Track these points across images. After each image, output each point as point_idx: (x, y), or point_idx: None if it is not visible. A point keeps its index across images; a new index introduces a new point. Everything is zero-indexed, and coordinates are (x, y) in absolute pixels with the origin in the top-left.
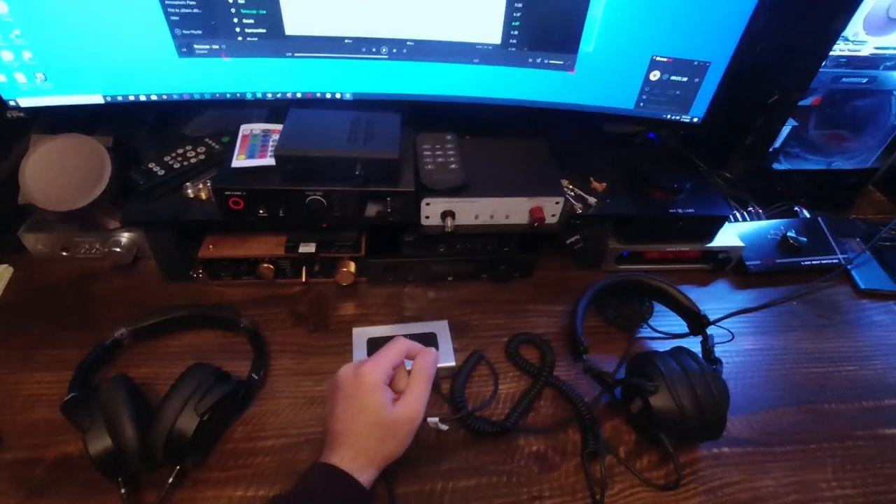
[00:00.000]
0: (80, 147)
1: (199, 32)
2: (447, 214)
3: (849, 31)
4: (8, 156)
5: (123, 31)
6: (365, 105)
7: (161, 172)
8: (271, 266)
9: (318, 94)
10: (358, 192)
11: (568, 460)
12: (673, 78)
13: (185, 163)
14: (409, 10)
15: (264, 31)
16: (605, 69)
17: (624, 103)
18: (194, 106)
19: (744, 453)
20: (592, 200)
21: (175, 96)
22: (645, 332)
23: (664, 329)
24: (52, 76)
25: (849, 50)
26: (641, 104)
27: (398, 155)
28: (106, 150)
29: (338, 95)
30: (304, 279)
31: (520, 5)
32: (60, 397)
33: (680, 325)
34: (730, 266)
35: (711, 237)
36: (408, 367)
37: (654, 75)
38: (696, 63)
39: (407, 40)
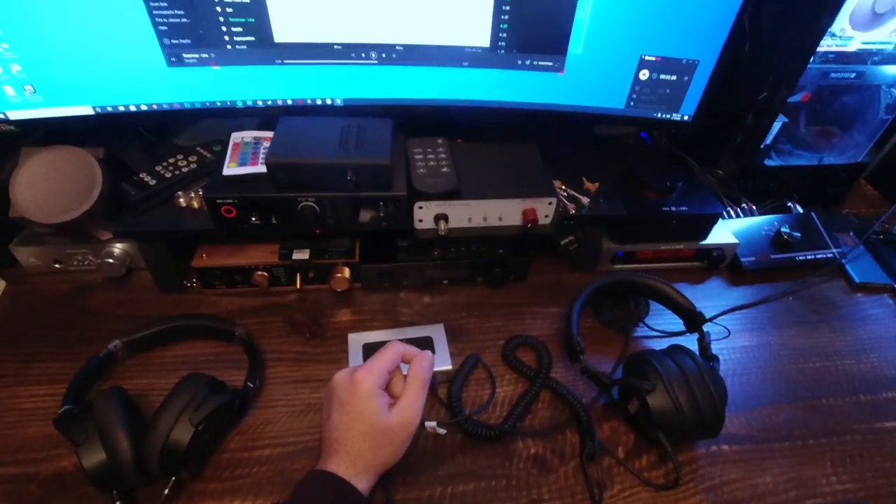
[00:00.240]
0: (70, 159)
1: (188, 42)
2: (440, 218)
3: (835, 27)
4: None
5: (112, 42)
6: (356, 111)
7: (153, 183)
8: (265, 274)
9: (309, 101)
10: (350, 198)
11: (566, 462)
12: (662, 77)
13: (177, 172)
14: (398, 15)
15: (253, 39)
16: (595, 70)
17: (614, 103)
18: (185, 115)
19: (742, 450)
20: (585, 201)
21: (165, 106)
22: (642, 331)
23: (661, 328)
24: (41, 89)
25: (836, 46)
26: (632, 104)
27: (389, 160)
28: (97, 162)
29: (328, 102)
30: (298, 286)
31: (507, 8)
32: (55, 411)
33: (676, 323)
34: (724, 263)
35: (705, 235)
36: (405, 373)
37: (644, 74)
38: (684, 62)
39: (396, 45)
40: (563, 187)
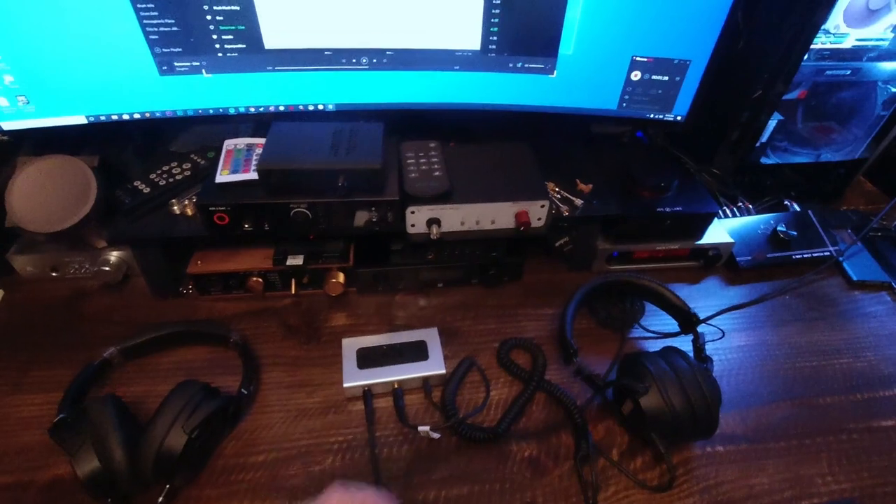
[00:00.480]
0: (65, 168)
1: (179, 50)
2: (433, 222)
3: (829, 25)
4: None
5: (103, 52)
6: (348, 115)
7: (146, 190)
8: (260, 280)
9: (301, 107)
10: (342, 202)
11: (561, 464)
12: (654, 77)
13: (171, 179)
14: (388, 19)
15: (244, 46)
16: (586, 71)
17: (606, 104)
18: (178, 123)
19: (737, 451)
20: (579, 202)
21: (158, 114)
22: (637, 332)
23: (656, 328)
24: (35, 99)
25: (831, 43)
26: (624, 104)
27: (380, 164)
28: (91, 170)
29: (321, 107)
30: (293, 291)
31: (497, 11)
32: (51, 419)
33: (672, 324)
34: (720, 262)
35: (701, 234)
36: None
37: (636, 75)
38: (676, 62)
39: (387, 50)
40: (557, 189)
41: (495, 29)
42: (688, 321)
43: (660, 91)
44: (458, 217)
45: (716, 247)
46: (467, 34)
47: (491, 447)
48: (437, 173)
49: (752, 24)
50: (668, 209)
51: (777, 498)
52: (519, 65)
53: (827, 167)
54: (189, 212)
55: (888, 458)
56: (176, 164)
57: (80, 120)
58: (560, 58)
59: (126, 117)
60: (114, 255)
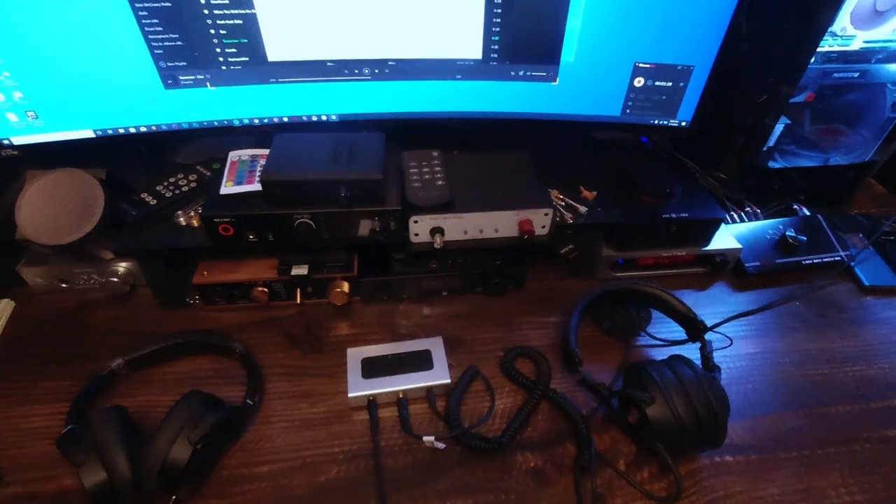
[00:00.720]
0: (73, 181)
1: (184, 64)
2: (436, 231)
3: (836, 27)
4: (5, 193)
5: (109, 67)
6: (351, 126)
7: (153, 202)
8: (265, 290)
9: (304, 118)
10: (345, 212)
11: (565, 475)
12: (657, 83)
13: (177, 191)
14: (390, 30)
15: (247, 59)
16: (589, 78)
17: (610, 111)
18: (183, 135)
19: (747, 461)
20: (583, 209)
21: (164, 127)
22: (643, 340)
23: (663, 336)
24: (43, 114)
25: (838, 46)
26: (628, 111)
27: (381, 175)
28: (98, 183)
29: (323, 117)
30: (298, 301)
31: (498, 20)
32: (58, 429)
33: (679, 331)
34: (728, 269)
35: (707, 240)
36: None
37: (639, 82)
38: (679, 67)
39: (388, 60)
40: (561, 196)
41: (496, 38)
42: (695, 329)
43: (663, 97)
44: (462, 226)
45: (723, 253)
46: (468, 43)
47: (495, 457)
48: (439, 182)
49: (755, 28)
50: (673, 215)
51: None
52: (521, 73)
53: (836, 170)
54: (195, 223)
55: None
56: (182, 175)
57: (88, 134)
58: (562, 65)
59: (132, 131)
60: (121, 267)
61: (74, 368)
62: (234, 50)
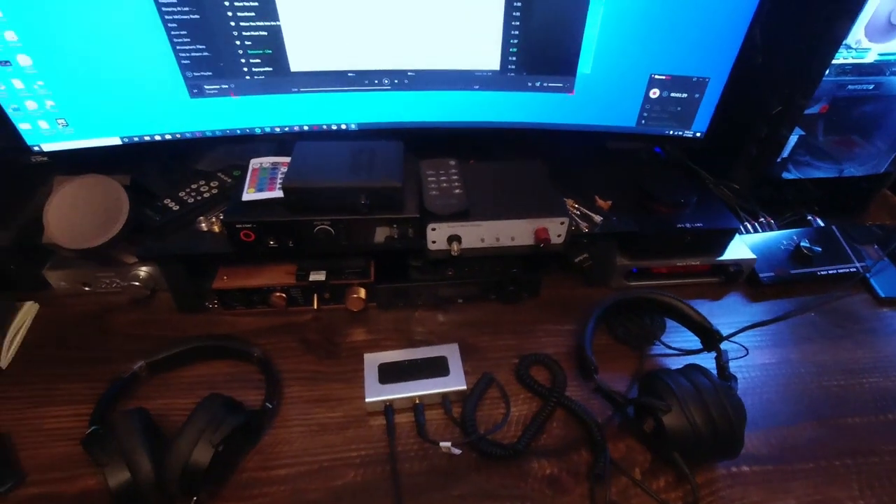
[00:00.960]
0: (99, 187)
1: (209, 74)
2: (453, 239)
3: (851, 40)
4: (32, 198)
5: (138, 77)
6: (370, 134)
7: (176, 208)
8: (283, 295)
9: (325, 126)
10: (364, 220)
11: (581, 483)
12: (673, 95)
13: (199, 198)
14: (409, 41)
15: (270, 69)
16: (605, 89)
17: (625, 121)
18: (206, 143)
19: (764, 471)
20: (598, 219)
21: (188, 135)
22: (657, 349)
23: (677, 345)
24: (73, 122)
25: (852, 58)
26: (643, 121)
27: (401, 183)
28: (123, 189)
29: (343, 126)
30: (315, 306)
31: (516, 32)
32: (81, 431)
33: (693, 340)
34: (742, 278)
35: (722, 250)
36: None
37: (654, 93)
38: (695, 79)
39: (408, 71)
40: (576, 206)
41: (514, 49)
42: (710, 338)
43: (679, 108)
44: (479, 234)
45: (737, 263)
46: (487, 55)
47: (510, 464)
48: (456, 191)
49: (770, 40)
50: (688, 225)
51: None
52: (538, 84)
53: (850, 181)
54: (216, 229)
55: None
56: (203, 182)
57: (115, 141)
58: (579, 77)
59: (157, 138)
60: (142, 271)
61: (96, 371)
62: (258, 60)
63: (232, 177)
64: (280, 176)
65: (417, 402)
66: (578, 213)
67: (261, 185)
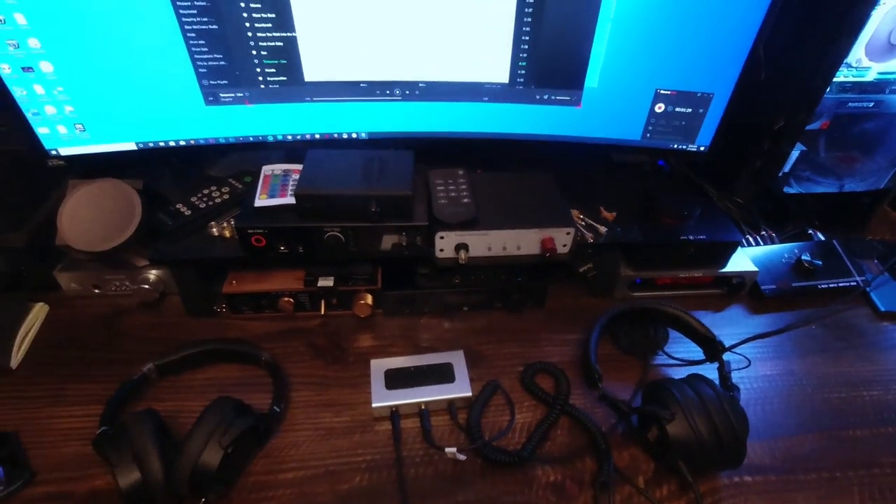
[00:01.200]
0: (113, 191)
1: (225, 82)
2: (461, 247)
3: (851, 58)
4: (46, 200)
5: (156, 84)
6: (379, 143)
7: (188, 213)
8: (291, 300)
9: (336, 135)
10: (374, 227)
11: (585, 490)
12: (678, 109)
13: (211, 203)
14: (421, 54)
15: (285, 78)
16: (611, 103)
17: (630, 135)
18: (219, 149)
19: (766, 482)
20: (603, 229)
21: (201, 141)
22: (661, 359)
23: (680, 356)
24: (91, 127)
25: (853, 76)
26: (648, 135)
27: (411, 191)
28: (136, 193)
29: (353, 135)
30: (323, 312)
31: (526, 46)
32: (91, 431)
33: (696, 351)
34: (744, 291)
35: (724, 262)
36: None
37: (659, 108)
38: (699, 95)
39: (419, 82)
40: (581, 216)
41: (524, 63)
42: (713, 349)
43: (683, 122)
44: (486, 243)
45: (740, 275)
46: (496, 68)
47: (515, 471)
48: (465, 200)
49: (773, 57)
50: (691, 237)
51: None
52: (545, 97)
53: (851, 197)
54: (227, 234)
55: None
56: (215, 187)
57: (130, 146)
58: (586, 90)
59: (172, 144)
60: (152, 274)
61: (106, 372)
62: (273, 70)
63: (243, 182)
64: (292, 183)
65: (423, 407)
66: (584, 223)
67: (273, 192)
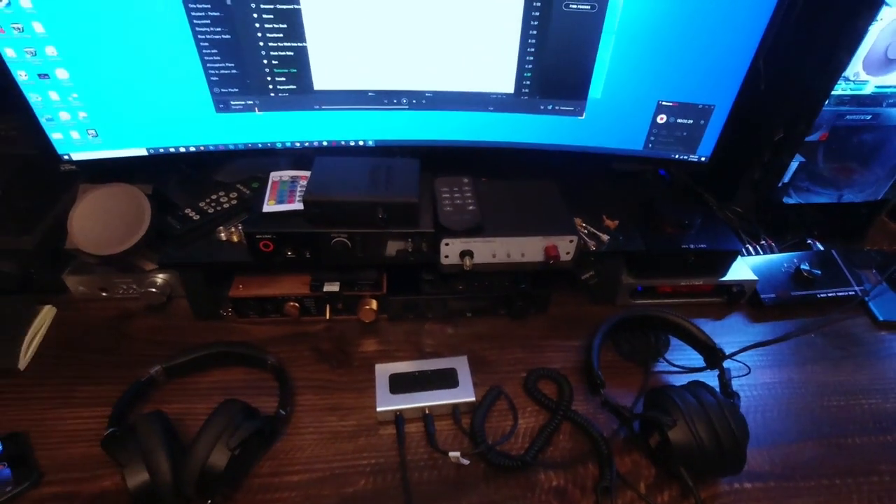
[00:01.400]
0: (123, 195)
1: (236, 90)
2: (465, 254)
3: (849, 72)
4: (56, 204)
5: (168, 92)
6: (386, 151)
7: (196, 217)
8: (297, 304)
9: (343, 142)
10: (380, 233)
11: (587, 495)
12: (679, 121)
13: (219, 208)
14: (428, 64)
15: (295, 87)
16: (614, 114)
17: (633, 145)
18: (228, 155)
19: (766, 488)
20: (605, 238)
21: (211, 147)
22: (662, 366)
23: (681, 363)
24: (103, 133)
25: (850, 90)
26: (650, 145)
27: (417, 199)
28: (146, 198)
29: (361, 143)
30: (328, 316)
31: (531, 58)
32: (98, 433)
33: (696, 359)
34: (744, 299)
35: (724, 271)
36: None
37: (661, 119)
38: (700, 106)
39: (426, 92)
40: (584, 224)
41: (528, 74)
42: (713, 356)
43: (684, 133)
44: (490, 250)
45: (739, 284)
46: (502, 78)
47: (519, 475)
48: (470, 207)
49: (773, 70)
50: (692, 246)
51: None
52: (550, 107)
53: (850, 207)
54: (234, 238)
55: None
56: (223, 193)
57: (141, 152)
58: (589, 101)
59: (182, 150)
60: (160, 278)
61: (113, 374)
62: (283, 78)
63: (251, 188)
64: (300, 189)
65: (427, 412)
66: (586, 231)
67: (281, 198)
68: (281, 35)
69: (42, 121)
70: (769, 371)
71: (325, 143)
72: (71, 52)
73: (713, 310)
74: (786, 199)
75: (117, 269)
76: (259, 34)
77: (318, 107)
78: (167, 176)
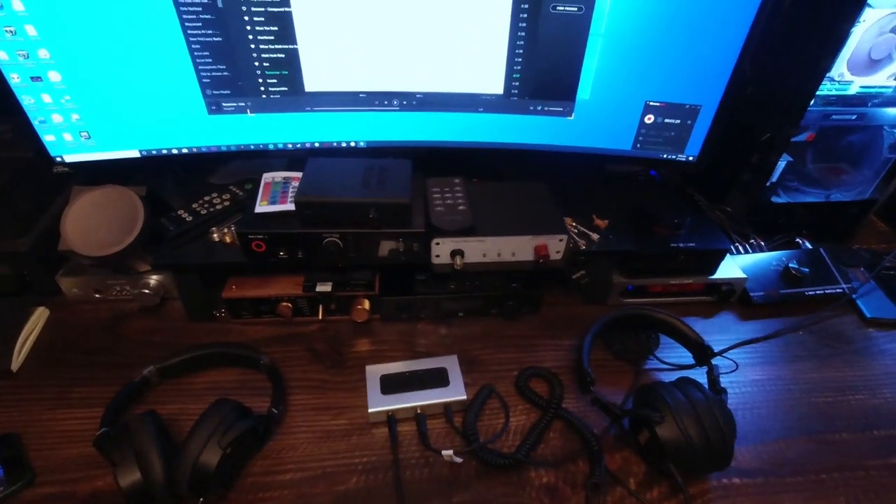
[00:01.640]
0: (116, 197)
1: (228, 92)
2: (456, 253)
3: (834, 73)
4: (50, 206)
5: (160, 94)
6: (378, 152)
7: (189, 219)
8: (290, 305)
9: (335, 144)
10: (372, 234)
11: (578, 492)
12: (667, 121)
13: (212, 209)
14: (419, 65)
15: (286, 89)
16: (602, 114)
17: (621, 145)
18: (221, 157)
19: (754, 484)
20: (595, 237)
21: (203, 149)
22: (652, 364)
23: (671, 360)
24: (95, 135)
25: (835, 90)
26: (638, 145)
27: (409, 199)
28: (139, 200)
29: (352, 144)
30: (321, 317)
31: (520, 59)
32: (92, 433)
33: (686, 356)
34: (734, 298)
35: (714, 270)
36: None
37: (649, 119)
38: (687, 106)
39: (416, 93)
40: (574, 224)
41: (518, 75)
42: (702, 353)
43: (672, 133)
44: (481, 249)
45: (729, 282)
46: (491, 79)
47: (510, 473)
48: (461, 207)
49: (759, 72)
50: (681, 245)
51: None
52: (539, 108)
53: (838, 206)
54: (227, 240)
55: None
56: (216, 195)
57: (134, 154)
58: (577, 102)
59: (175, 152)
60: (153, 279)
61: (106, 375)
62: (274, 80)
63: (244, 190)
64: (292, 190)
65: (419, 411)
66: (576, 231)
67: (273, 199)
68: (272, 37)
69: (35, 123)
70: (758, 368)
71: (317, 145)
72: (63, 55)
73: (703, 308)
74: (774, 199)
75: (111, 270)
76: (250, 36)
77: (309, 108)
78: (161, 178)
